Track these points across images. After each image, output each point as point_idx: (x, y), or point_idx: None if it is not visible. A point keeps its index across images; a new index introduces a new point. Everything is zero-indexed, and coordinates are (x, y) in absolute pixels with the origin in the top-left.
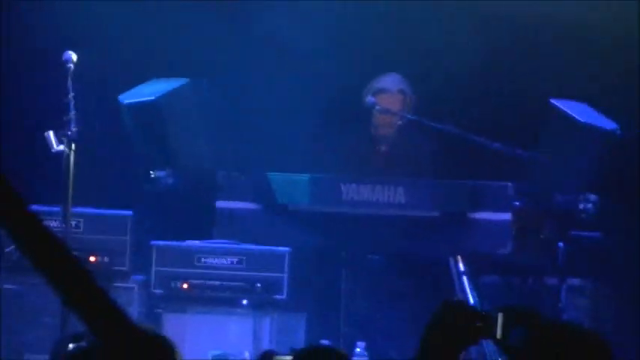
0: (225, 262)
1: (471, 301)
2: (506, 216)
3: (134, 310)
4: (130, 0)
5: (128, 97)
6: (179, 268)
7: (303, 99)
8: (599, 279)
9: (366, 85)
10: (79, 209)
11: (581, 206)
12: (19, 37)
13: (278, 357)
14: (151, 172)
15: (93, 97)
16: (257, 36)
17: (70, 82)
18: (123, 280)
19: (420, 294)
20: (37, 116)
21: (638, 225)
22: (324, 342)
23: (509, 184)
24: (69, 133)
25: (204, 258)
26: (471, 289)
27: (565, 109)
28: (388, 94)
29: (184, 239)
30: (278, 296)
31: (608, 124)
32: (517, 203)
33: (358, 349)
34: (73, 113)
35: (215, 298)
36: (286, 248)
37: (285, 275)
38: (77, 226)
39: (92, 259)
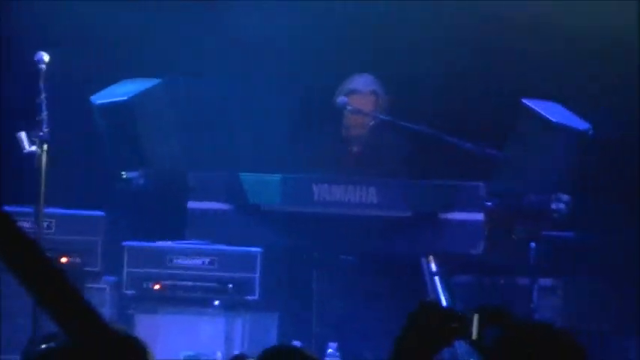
0: (197, 262)
1: (443, 301)
2: (479, 216)
3: (106, 311)
4: (102, 0)
5: (100, 98)
6: (151, 269)
7: (276, 99)
8: (572, 279)
9: (338, 86)
10: (51, 210)
11: (553, 206)
12: None
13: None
14: (123, 172)
15: (65, 97)
16: (229, 36)
17: (42, 83)
18: (95, 281)
19: (393, 294)
20: (8, 117)
21: (611, 224)
22: (296, 343)
23: (482, 184)
24: (41, 133)
25: (176, 259)
26: (443, 289)
27: (537, 109)
28: (360, 95)
29: (156, 240)
30: (250, 297)
31: (580, 124)
32: (489, 203)
33: (330, 350)
34: (45, 114)
35: (187, 298)
36: (258, 249)
37: (257, 276)
38: (49, 227)
39: (64, 259)
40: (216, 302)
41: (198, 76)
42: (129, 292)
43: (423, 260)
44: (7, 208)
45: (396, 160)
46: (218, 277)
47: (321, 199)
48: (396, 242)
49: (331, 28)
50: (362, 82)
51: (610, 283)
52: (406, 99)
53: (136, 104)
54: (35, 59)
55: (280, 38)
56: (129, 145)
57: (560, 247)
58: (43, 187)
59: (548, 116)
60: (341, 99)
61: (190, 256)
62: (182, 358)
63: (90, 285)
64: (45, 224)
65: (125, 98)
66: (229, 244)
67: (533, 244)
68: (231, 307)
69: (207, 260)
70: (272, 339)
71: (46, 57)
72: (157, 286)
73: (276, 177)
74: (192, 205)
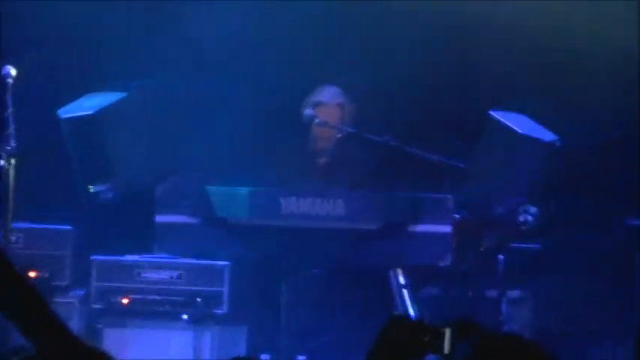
0: (165, 276)
1: (412, 313)
2: (447, 228)
3: (74, 325)
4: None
5: (67, 112)
6: (119, 283)
7: (242, 112)
8: (540, 290)
9: (305, 98)
10: (19, 224)
11: (521, 218)
12: None
13: None
14: (91, 186)
15: (32, 111)
16: (195, 48)
17: (9, 97)
18: (63, 295)
19: (362, 306)
20: None
21: (576, 234)
22: (264, 356)
23: (449, 196)
24: (8, 148)
25: (144, 272)
26: (411, 301)
27: (505, 120)
28: (327, 107)
29: (124, 253)
30: (218, 310)
31: (547, 135)
32: (457, 215)
33: None
34: (12, 128)
35: (155, 312)
36: (226, 262)
37: (225, 289)
38: (17, 241)
39: (32, 273)
40: (185, 316)
41: (164, 87)
42: (97, 305)
43: (391, 273)
44: None
45: (363, 172)
46: (186, 291)
47: (288, 212)
48: (364, 255)
49: (299, 39)
50: (328, 94)
51: (579, 292)
52: (373, 110)
53: (103, 118)
54: (2, 74)
55: (247, 50)
56: (96, 158)
57: (528, 259)
58: (10, 202)
59: (515, 128)
60: (307, 111)
61: (158, 269)
62: None
63: (58, 299)
64: (13, 238)
65: (91, 112)
66: (197, 257)
67: (501, 256)
68: (200, 320)
69: (175, 274)
70: (241, 352)
71: (13, 71)
72: (125, 300)
73: (244, 190)
74: (160, 218)
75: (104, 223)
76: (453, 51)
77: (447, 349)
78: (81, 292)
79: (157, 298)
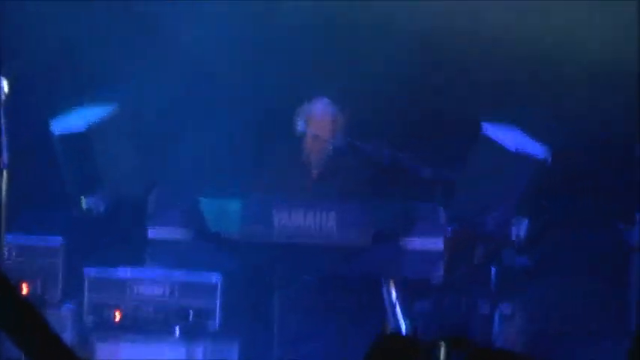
0: (157, 290)
1: (404, 327)
2: (439, 241)
3: (66, 339)
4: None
5: (59, 127)
6: (111, 297)
7: (235, 124)
8: (534, 294)
9: (297, 109)
10: (11, 237)
11: (512, 232)
12: None
13: None
14: (83, 199)
15: (23, 123)
16: (188, 59)
17: (1, 110)
18: (55, 309)
19: (354, 317)
20: None
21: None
22: None
23: (442, 209)
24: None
25: (137, 286)
26: (403, 314)
27: (497, 135)
28: (318, 120)
29: (116, 267)
30: (210, 324)
31: (539, 150)
32: (449, 228)
33: None
34: (4, 140)
35: (147, 326)
36: (218, 275)
37: (217, 302)
38: (9, 254)
39: (24, 286)
40: (177, 330)
41: (154, 98)
42: (89, 319)
43: (384, 286)
44: None
45: (355, 183)
46: (178, 305)
47: (281, 226)
48: (356, 267)
49: (291, 50)
50: (320, 107)
51: (574, 293)
52: (364, 119)
53: (94, 133)
54: None
55: (239, 61)
56: (88, 171)
57: (520, 271)
58: (3, 214)
59: (507, 144)
60: (300, 124)
61: (150, 284)
62: None
63: (50, 312)
64: (4, 251)
65: (83, 129)
66: (189, 270)
67: (493, 269)
68: (192, 334)
69: (167, 288)
70: None
71: (5, 83)
72: (117, 314)
73: (236, 203)
74: (152, 231)
75: (96, 235)
76: (447, 60)
77: None
78: (73, 306)
79: (150, 312)
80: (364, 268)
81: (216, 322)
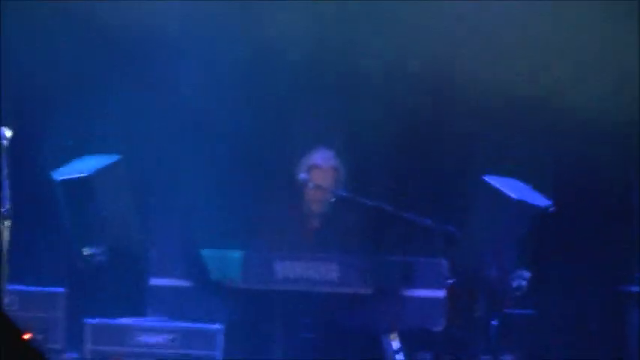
0: (158, 339)
1: None
2: (440, 293)
3: None
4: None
5: (61, 174)
6: (113, 346)
7: (235, 175)
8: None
9: (298, 161)
10: (13, 286)
11: (514, 283)
12: None
13: None
14: (85, 249)
15: (26, 173)
16: (189, 109)
17: (4, 159)
18: (57, 358)
19: None
20: None
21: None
22: None
23: (443, 261)
24: (2, 210)
25: (138, 336)
26: None
27: (499, 186)
28: (320, 170)
29: (118, 317)
30: None
31: (541, 201)
32: (450, 280)
33: None
34: (6, 190)
35: None
36: (219, 326)
37: (218, 352)
38: (11, 303)
39: (26, 336)
40: None
41: (156, 150)
42: None
43: (385, 337)
44: None
45: (356, 235)
46: (180, 355)
47: (282, 276)
48: (358, 319)
49: (290, 101)
50: (322, 158)
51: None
52: (365, 173)
53: (97, 180)
54: None
55: (238, 113)
56: (90, 220)
57: (521, 324)
58: (4, 263)
59: (509, 193)
60: (302, 175)
61: (152, 333)
62: None
63: None
64: (7, 301)
65: (85, 174)
66: (190, 320)
67: (494, 322)
68: None
69: (168, 337)
70: None
71: (7, 133)
72: None
73: (237, 253)
74: (153, 281)
75: (97, 285)
76: (448, 114)
77: None
78: (75, 356)
79: None
80: (365, 319)
81: None
